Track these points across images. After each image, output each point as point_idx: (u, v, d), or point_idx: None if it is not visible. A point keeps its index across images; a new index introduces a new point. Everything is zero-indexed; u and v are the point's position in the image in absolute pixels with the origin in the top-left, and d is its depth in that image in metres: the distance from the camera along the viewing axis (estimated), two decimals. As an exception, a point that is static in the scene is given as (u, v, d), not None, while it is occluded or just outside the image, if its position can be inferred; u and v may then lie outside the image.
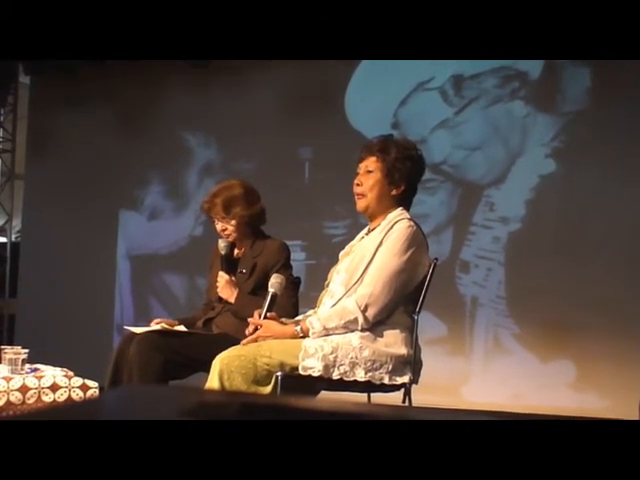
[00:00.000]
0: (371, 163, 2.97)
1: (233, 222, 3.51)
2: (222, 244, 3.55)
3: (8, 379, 3.14)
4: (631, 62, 4.66)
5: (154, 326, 3.43)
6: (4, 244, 8.20)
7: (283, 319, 2.97)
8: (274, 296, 2.94)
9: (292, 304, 3.40)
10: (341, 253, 3.09)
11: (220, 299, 3.51)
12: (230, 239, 3.55)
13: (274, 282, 2.97)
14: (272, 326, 2.86)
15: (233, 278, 3.49)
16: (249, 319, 2.93)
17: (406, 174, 2.95)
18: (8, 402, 3.10)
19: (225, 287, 3.45)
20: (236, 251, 3.62)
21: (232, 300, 3.43)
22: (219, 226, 3.54)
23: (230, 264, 3.54)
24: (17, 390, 3.13)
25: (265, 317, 2.88)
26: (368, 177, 2.96)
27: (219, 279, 3.47)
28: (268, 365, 2.67)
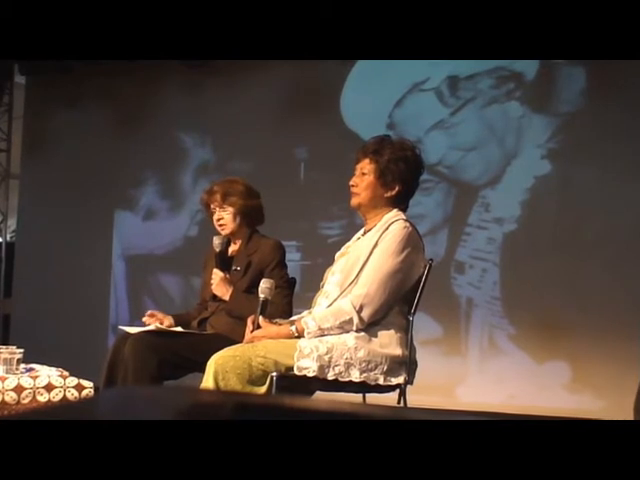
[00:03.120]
0: (365, 165, 2.97)
1: (230, 210, 3.51)
2: (217, 241, 3.54)
3: (3, 379, 3.13)
4: (626, 62, 4.67)
5: (147, 320, 3.46)
6: (-1, 244, 8.19)
7: (278, 319, 2.98)
8: (265, 302, 2.95)
9: (287, 303, 3.40)
10: (337, 254, 3.09)
11: (214, 297, 3.50)
12: (225, 231, 3.54)
13: (263, 287, 2.97)
14: (267, 326, 2.87)
15: (227, 276, 3.48)
16: (247, 330, 2.94)
17: (399, 175, 2.95)
18: (3, 402, 3.09)
19: (219, 284, 3.45)
20: (231, 249, 3.62)
21: (226, 298, 3.43)
22: (216, 216, 3.55)
23: (224, 262, 3.54)
24: (12, 390, 3.12)
25: (258, 325, 2.89)
26: (362, 179, 2.97)
27: (213, 276, 3.47)
28: (263, 365, 2.67)
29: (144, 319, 3.52)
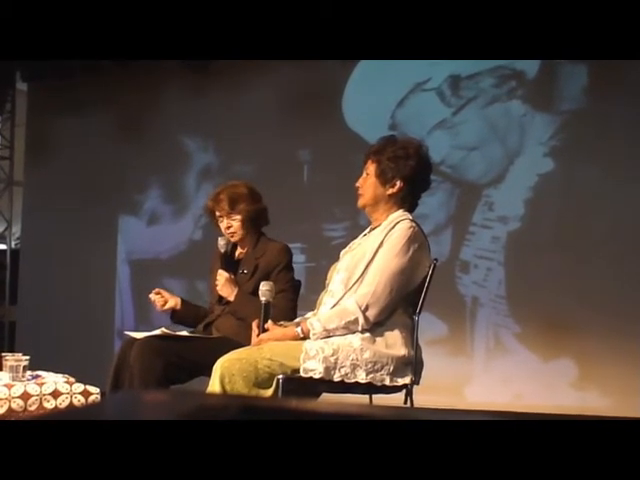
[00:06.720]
0: (368, 166, 2.99)
1: (238, 217, 3.49)
2: (222, 242, 3.53)
3: (9, 386, 3.14)
4: (628, 61, 4.66)
5: (153, 296, 3.57)
6: (4, 251, 8.20)
7: (283, 322, 2.98)
8: (267, 305, 2.95)
9: (291, 308, 3.39)
10: (342, 251, 3.09)
11: (220, 300, 3.50)
12: (236, 238, 3.53)
13: (264, 290, 2.97)
14: (273, 329, 2.87)
15: (233, 277, 3.47)
16: (253, 334, 2.95)
17: (400, 172, 2.93)
18: (10, 409, 3.09)
19: (225, 285, 3.43)
20: (238, 251, 3.61)
21: (232, 298, 3.42)
22: (224, 224, 3.52)
23: (230, 263, 3.53)
24: (19, 397, 3.13)
25: (263, 329, 2.89)
26: (366, 179, 2.99)
27: (219, 277, 3.45)
28: (269, 368, 2.67)
29: (150, 295, 3.59)
